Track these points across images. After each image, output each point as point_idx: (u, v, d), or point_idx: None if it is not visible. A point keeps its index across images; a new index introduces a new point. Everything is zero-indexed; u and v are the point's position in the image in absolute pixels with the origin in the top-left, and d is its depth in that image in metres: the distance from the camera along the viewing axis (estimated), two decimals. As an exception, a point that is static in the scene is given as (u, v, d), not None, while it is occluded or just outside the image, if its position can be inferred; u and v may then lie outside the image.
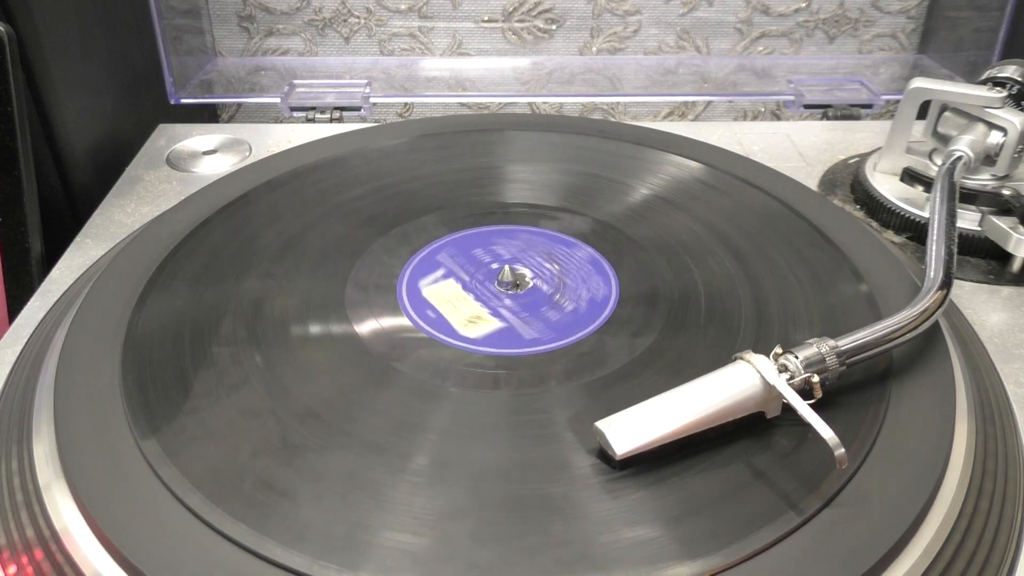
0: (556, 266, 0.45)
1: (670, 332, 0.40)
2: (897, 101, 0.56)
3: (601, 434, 0.32)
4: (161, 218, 0.49)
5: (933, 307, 0.37)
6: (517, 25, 0.81)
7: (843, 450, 0.30)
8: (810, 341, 0.34)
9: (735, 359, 0.34)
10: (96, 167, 0.62)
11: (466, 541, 0.30)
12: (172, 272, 0.43)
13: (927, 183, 0.54)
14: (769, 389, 0.33)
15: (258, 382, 0.37)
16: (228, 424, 0.34)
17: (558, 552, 0.29)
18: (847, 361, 0.34)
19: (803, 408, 0.31)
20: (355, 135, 0.58)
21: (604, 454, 0.33)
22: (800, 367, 0.33)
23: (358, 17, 0.81)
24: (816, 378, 0.33)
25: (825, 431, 0.31)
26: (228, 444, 0.33)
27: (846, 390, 0.36)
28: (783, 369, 0.33)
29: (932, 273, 0.40)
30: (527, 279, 0.44)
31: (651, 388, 0.34)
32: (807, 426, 0.31)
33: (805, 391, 0.33)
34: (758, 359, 0.33)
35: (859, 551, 0.29)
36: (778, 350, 0.34)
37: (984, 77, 0.54)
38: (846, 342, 0.35)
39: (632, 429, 0.32)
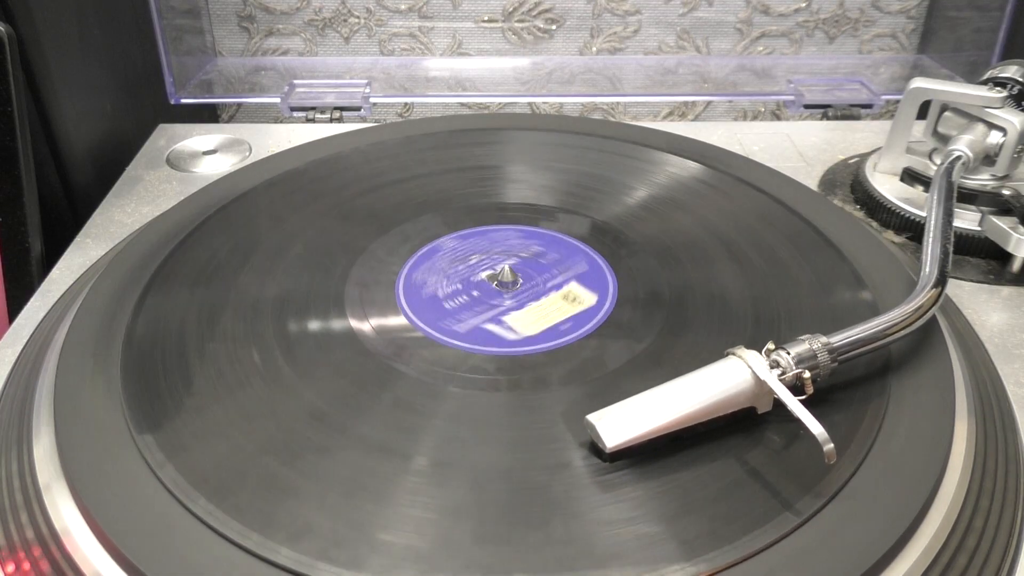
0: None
1: (669, 332, 0.40)
2: (897, 101, 0.56)
3: (592, 427, 0.33)
4: (161, 218, 0.49)
5: (927, 304, 0.38)
6: (517, 25, 0.81)
7: (831, 445, 0.30)
8: (802, 337, 0.34)
9: (727, 354, 0.34)
10: (96, 167, 0.62)
11: (467, 540, 0.30)
12: (172, 272, 0.44)
13: (927, 183, 0.53)
14: (760, 384, 0.33)
15: (257, 381, 0.37)
16: (228, 424, 0.35)
17: (558, 550, 0.29)
18: (839, 358, 0.34)
19: (793, 404, 0.32)
20: (355, 135, 0.58)
21: (595, 447, 0.33)
22: (792, 363, 0.33)
23: (358, 17, 0.81)
24: (807, 374, 0.33)
25: (815, 427, 0.31)
26: (228, 444, 0.34)
27: (846, 389, 0.36)
28: (775, 365, 0.33)
29: (927, 271, 0.40)
30: (517, 275, 0.44)
31: (650, 387, 0.34)
32: (798, 422, 0.31)
33: (796, 387, 0.33)
34: (749, 355, 0.33)
35: (859, 551, 0.29)
36: (770, 346, 0.34)
37: (985, 77, 0.54)
38: (838, 339, 0.35)
39: (622, 422, 0.32)
